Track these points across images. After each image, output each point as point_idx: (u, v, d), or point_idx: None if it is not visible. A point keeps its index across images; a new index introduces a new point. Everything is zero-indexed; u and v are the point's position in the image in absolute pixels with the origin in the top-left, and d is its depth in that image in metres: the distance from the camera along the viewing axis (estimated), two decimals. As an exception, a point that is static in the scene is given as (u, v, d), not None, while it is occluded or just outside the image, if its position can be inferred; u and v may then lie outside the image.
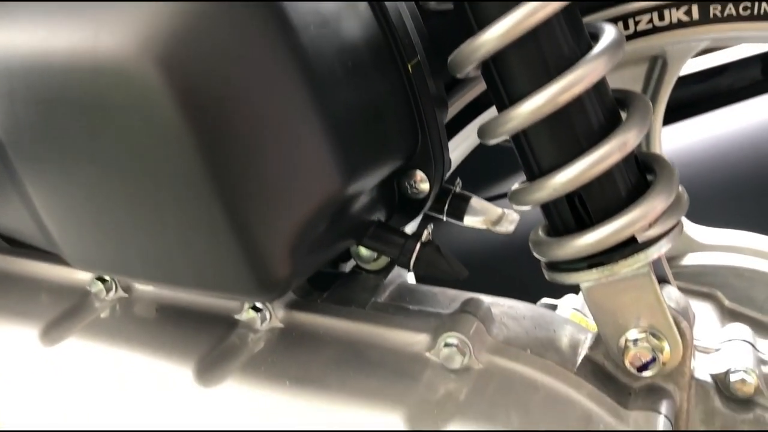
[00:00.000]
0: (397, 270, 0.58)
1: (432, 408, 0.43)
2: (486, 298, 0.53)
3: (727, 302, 0.62)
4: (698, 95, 0.91)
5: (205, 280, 0.42)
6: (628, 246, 0.43)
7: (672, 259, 0.65)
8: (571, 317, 0.58)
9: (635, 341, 0.46)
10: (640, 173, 0.46)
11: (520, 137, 0.45)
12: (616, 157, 0.42)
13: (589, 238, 0.44)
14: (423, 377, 0.46)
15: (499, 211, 0.55)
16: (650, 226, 0.43)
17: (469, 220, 0.56)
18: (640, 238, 0.43)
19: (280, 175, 0.38)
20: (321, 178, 0.40)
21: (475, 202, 0.55)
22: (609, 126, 0.43)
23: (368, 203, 0.47)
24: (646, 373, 0.46)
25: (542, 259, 0.48)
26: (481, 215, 0.55)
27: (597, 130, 0.43)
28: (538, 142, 0.44)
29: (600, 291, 0.46)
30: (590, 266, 0.44)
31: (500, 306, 0.53)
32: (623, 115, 0.45)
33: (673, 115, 0.88)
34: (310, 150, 0.39)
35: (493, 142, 0.45)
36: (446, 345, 0.46)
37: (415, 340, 0.48)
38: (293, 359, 0.48)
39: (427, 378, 0.46)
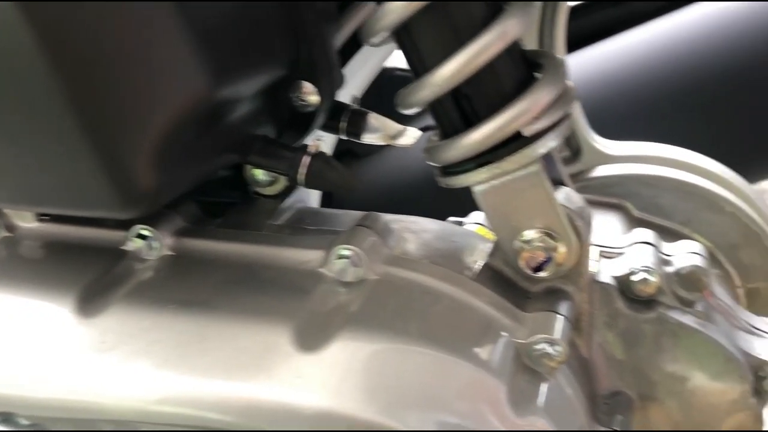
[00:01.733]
0: (298, 195, 0.56)
1: (322, 319, 0.42)
2: (387, 215, 0.51)
3: (635, 211, 0.62)
4: (613, 18, 0.90)
5: (70, 197, 0.39)
6: (516, 142, 0.42)
7: (581, 172, 0.65)
8: (477, 231, 0.57)
9: (529, 242, 0.45)
10: (527, 70, 0.44)
11: (404, 38, 0.43)
12: (497, 47, 0.40)
13: (475, 136, 0.42)
14: (315, 292, 0.44)
15: (398, 126, 0.54)
16: (536, 120, 0.42)
17: (368, 137, 0.54)
18: (526, 132, 0.42)
19: (135, 74, 0.36)
20: (182, 80, 0.37)
21: (373, 118, 0.54)
22: (490, 19, 0.42)
23: (250, 115, 0.45)
24: (542, 274, 0.46)
25: (435, 165, 0.46)
26: (380, 131, 0.53)
27: (479, 24, 0.42)
28: (420, 40, 0.43)
29: (493, 194, 0.45)
30: (479, 165, 0.43)
31: (401, 222, 0.52)
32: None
33: (588, 39, 0.88)
34: (167, 47, 0.36)
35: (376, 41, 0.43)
36: (339, 257, 0.45)
37: (308, 257, 0.46)
38: (181, 284, 0.46)
39: (320, 292, 0.44)
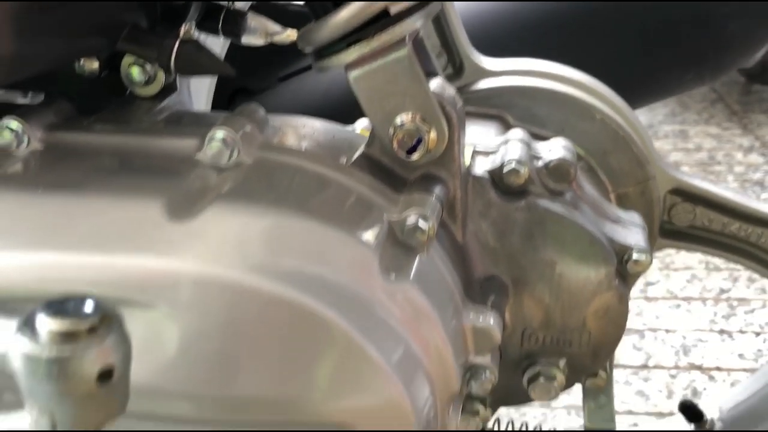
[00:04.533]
0: (177, 98, 0.55)
1: (194, 195, 0.42)
2: (269, 114, 0.52)
3: (512, 121, 0.65)
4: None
5: None
6: (384, 20, 0.44)
7: (463, 86, 0.67)
8: (361, 132, 0.58)
9: (402, 125, 0.47)
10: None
11: None
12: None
13: (343, 14, 0.43)
14: (189, 175, 0.44)
15: (276, 26, 0.54)
16: (403, -2, 0.43)
17: (247, 39, 0.54)
18: (393, 10, 0.43)
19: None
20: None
21: (252, 18, 0.54)
22: None
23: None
24: (415, 156, 0.47)
25: (308, 50, 0.47)
26: (259, 31, 0.54)
27: None
28: None
29: (366, 79, 0.46)
30: (349, 45, 0.44)
31: (283, 118, 0.53)
32: None
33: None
34: None
35: None
36: (213, 142, 0.45)
37: (183, 144, 0.46)
38: (51, 172, 0.45)
39: (194, 175, 0.44)
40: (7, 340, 0.29)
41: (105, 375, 0.29)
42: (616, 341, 0.57)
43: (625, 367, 1.36)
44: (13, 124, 0.47)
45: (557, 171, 0.54)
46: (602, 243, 0.54)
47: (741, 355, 1.38)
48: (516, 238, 0.53)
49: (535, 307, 0.54)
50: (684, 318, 1.50)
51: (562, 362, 0.56)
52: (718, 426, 0.78)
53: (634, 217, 0.60)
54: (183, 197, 0.42)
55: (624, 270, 0.55)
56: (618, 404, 1.12)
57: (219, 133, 0.45)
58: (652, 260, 0.56)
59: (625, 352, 1.39)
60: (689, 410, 0.78)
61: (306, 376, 0.39)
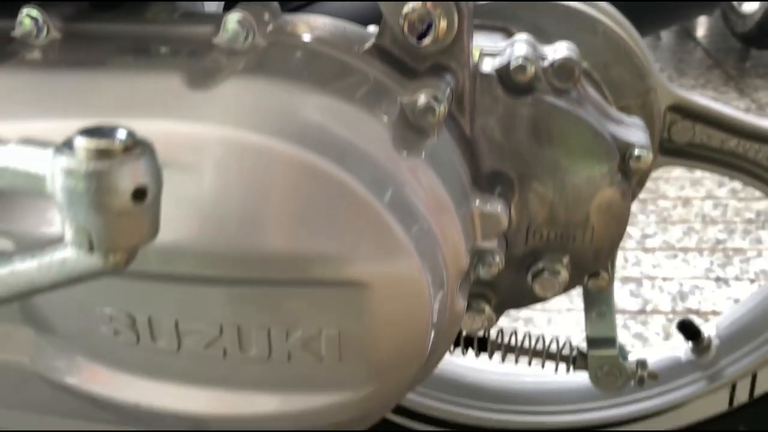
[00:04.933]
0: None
1: (214, 71, 0.43)
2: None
3: (516, 33, 0.66)
4: None
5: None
6: None
7: None
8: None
9: (413, 10, 0.48)
10: None
11: None
12: None
13: None
14: (206, 57, 0.45)
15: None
16: None
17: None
18: None
19: None
20: None
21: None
22: None
23: None
24: (426, 41, 0.49)
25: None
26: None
27: None
28: None
29: (377, -33, 0.48)
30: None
31: (294, 14, 0.54)
32: None
33: None
34: None
35: None
36: (229, 24, 0.46)
37: (200, 30, 0.48)
38: (72, 55, 0.46)
39: (211, 57, 0.45)
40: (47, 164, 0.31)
41: (139, 194, 0.30)
42: (618, 238, 0.58)
43: (623, 312, 1.38)
44: (33, 12, 0.48)
45: (562, 70, 0.55)
46: (606, 138, 0.55)
47: (737, 301, 1.40)
48: (522, 133, 0.54)
49: (540, 202, 0.56)
50: (681, 267, 1.52)
51: (565, 259, 0.58)
52: (714, 343, 0.80)
53: (635, 119, 0.61)
54: (203, 71, 0.43)
55: (626, 167, 0.56)
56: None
57: (235, 16, 0.46)
58: (653, 158, 0.57)
59: (622, 298, 1.41)
60: (687, 328, 0.80)
61: (330, 237, 0.40)
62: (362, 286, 0.41)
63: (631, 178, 0.58)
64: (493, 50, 0.57)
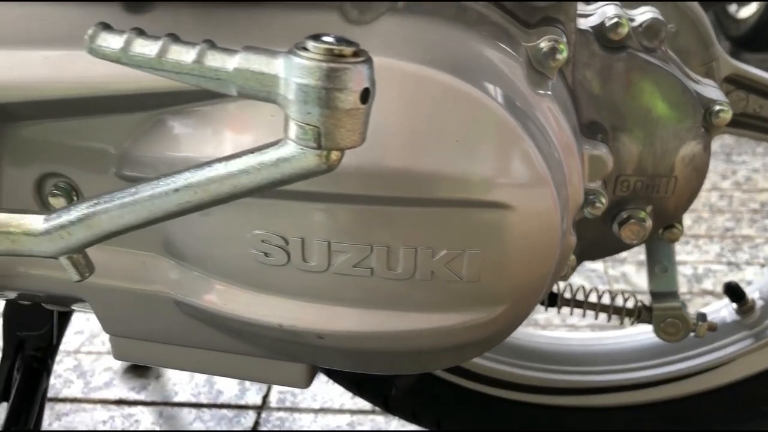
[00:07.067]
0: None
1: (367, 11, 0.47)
2: None
3: None
4: None
5: None
6: None
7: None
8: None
9: (534, -36, 0.52)
10: None
11: None
12: None
13: None
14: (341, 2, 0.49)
15: None
16: None
17: None
18: None
19: None
20: None
21: None
22: None
23: None
24: (544, -7, 0.53)
25: None
26: None
27: None
28: None
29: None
30: None
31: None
32: None
33: None
34: None
35: None
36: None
37: None
38: None
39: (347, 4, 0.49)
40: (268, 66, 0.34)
41: (365, 95, 0.34)
42: (696, 190, 0.63)
43: (643, 292, 1.43)
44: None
45: (650, 29, 0.59)
46: (692, 92, 0.59)
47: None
48: (617, 86, 0.58)
49: (630, 153, 0.60)
50: (694, 252, 1.57)
51: (648, 208, 0.62)
52: (759, 305, 0.85)
53: (708, 80, 0.65)
54: (351, 6, 0.46)
55: (707, 122, 0.61)
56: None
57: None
58: (732, 114, 0.62)
59: (642, 280, 1.46)
60: (733, 291, 0.84)
61: (481, 160, 0.44)
62: (506, 208, 0.45)
63: (712, 132, 0.62)
64: (584, 11, 0.61)
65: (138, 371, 1.25)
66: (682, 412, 0.85)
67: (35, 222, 0.43)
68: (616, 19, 0.58)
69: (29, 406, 0.83)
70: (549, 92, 0.49)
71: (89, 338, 1.34)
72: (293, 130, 0.34)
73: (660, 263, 0.74)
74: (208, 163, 0.38)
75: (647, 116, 0.59)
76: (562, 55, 0.50)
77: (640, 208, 0.62)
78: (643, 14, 0.60)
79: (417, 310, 0.48)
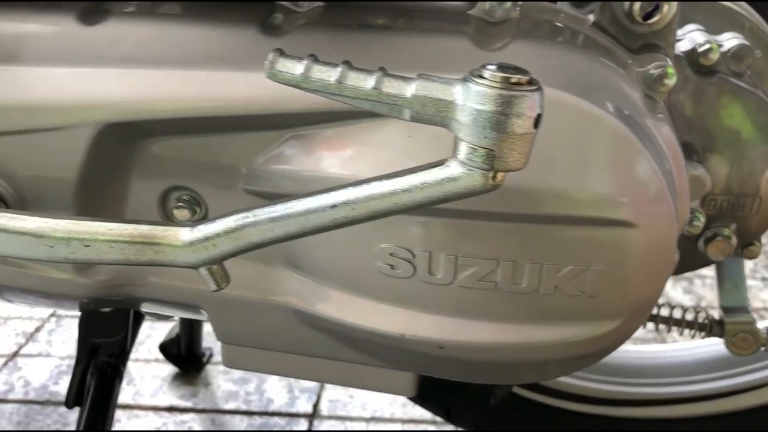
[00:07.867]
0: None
1: (488, 34, 0.49)
2: None
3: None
4: None
5: None
6: None
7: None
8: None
9: (640, -7, 0.54)
10: None
11: None
12: None
13: None
14: (468, 25, 0.51)
15: None
16: None
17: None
18: None
19: None
20: None
21: None
22: None
23: None
24: (653, 20, 0.55)
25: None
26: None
27: None
28: None
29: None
30: None
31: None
32: None
33: None
34: None
35: None
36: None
37: (454, 4, 0.53)
38: (347, 17, 0.51)
39: (473, 25, 0.51)
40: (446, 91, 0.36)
41: (537, 121, 0.36)
42: (779, 209, 0.65)
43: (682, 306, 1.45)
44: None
45: (738, 55, 0.62)
46: (780, 116, 0.62)
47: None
48: (708, 109, 0.61)
49: (719, 173, 0.62)
50: (726, 268, 1.59)
51: (733, 226, 0.64)
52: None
53: (790, 104, 0.68)
54: (476, 35, 0.49)
55: (791, 144, 0.63)
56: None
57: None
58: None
59: (677, 294, 1.48)
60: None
61: (610, 180, 0.46)
62: (631, 225, 0.47)
63: (796, 154, 0.64)
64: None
65: (186, 378, 1.26)
66: (743, 424, 0.86)
67: (181, 234, 0.45)
68: (707, 45, 0.60)
69: (104, 411, 0.85)
70: (661, 115, 0.51)
71: (135, 346, 1.36)
72: (464, 151, 0.36)
73: (730, 279, 0.76)
74: (367, 180, 0.40)
75: (736, 138, 0.61)
76: (671, 81, 0.52)
77: (725, 226, 0.64)
78: (729, 40, 0.63)
79: (536, 323, 0.50)
